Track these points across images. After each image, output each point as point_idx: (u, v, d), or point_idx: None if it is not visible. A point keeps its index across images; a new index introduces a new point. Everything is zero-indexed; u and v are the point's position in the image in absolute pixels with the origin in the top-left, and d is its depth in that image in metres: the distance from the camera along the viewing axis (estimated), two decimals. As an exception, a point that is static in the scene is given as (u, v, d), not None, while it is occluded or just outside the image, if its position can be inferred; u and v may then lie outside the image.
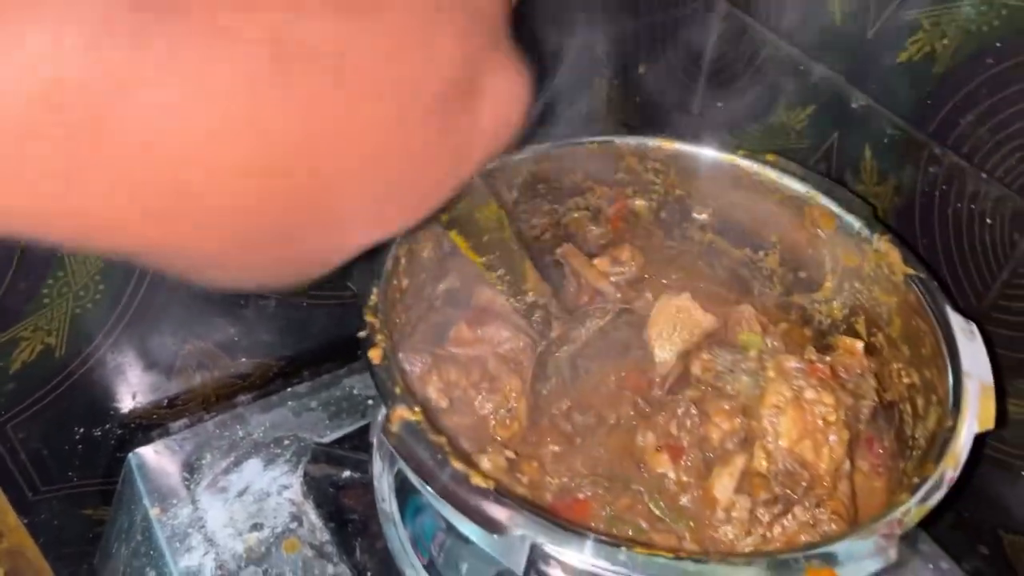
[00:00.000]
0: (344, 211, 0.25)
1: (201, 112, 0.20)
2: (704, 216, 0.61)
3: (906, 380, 0.51)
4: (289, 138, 0.22)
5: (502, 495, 0.38)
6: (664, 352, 0.56)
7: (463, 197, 0.41)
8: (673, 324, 0.56)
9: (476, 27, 0.26)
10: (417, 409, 0.41)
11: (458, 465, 0.39)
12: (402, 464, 0.40)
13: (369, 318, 0.45)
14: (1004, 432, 0.58)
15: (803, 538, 0.45)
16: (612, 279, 0.61)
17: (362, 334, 0.45)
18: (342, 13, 0.22)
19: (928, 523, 0.62)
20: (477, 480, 0.39)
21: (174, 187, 0.21)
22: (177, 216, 0.22)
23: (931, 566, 0.60)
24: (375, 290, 0.47)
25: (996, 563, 0.62)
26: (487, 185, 0.43)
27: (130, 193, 0.20)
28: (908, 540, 0.60)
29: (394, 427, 0.40)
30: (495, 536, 0.38)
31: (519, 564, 0.38)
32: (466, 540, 0.43)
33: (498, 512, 0.38)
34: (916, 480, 0.41)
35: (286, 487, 0.61)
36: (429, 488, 0.39)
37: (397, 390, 0.42)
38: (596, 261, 0.62)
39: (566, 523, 0.38)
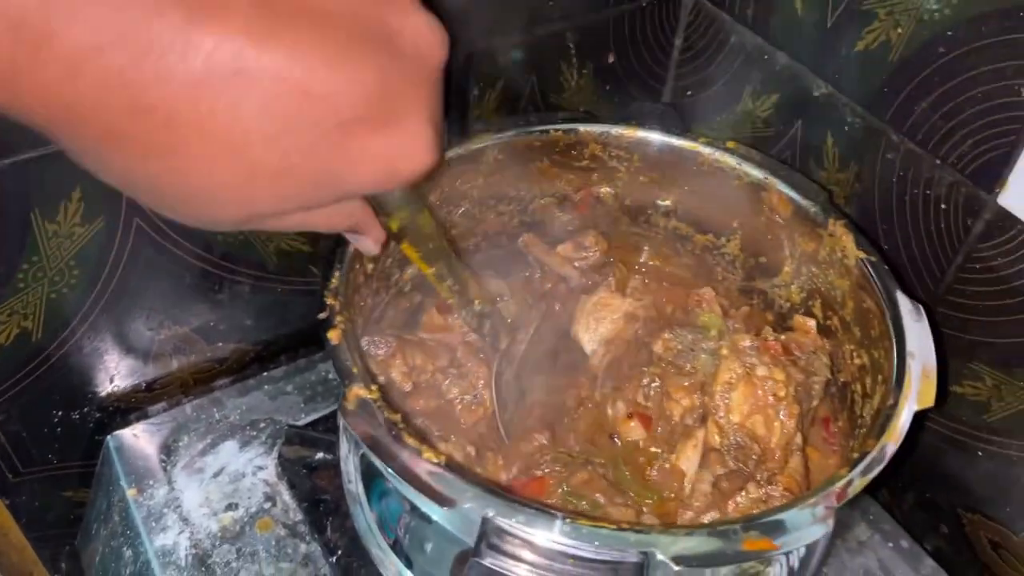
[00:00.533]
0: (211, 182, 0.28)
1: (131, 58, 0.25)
2: (668, 202, 0.62)
3: (857, 361, 0.52)
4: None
5: (452, 469, 0.39)
6: (592, 343, 0.58)
7: (405, 204, 0.40)
8: (595, 317, 0.58)
9: (401, 66, 0.28)
10: (374, 387, 0.43)
11: (411, 441, 0.40)
12: (360, 441, 0.42)
13: (329, 300, 0.46)
14: (961, 413, 0.59)
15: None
16: (576, 264, 0.62)
17: (322, 316, 0.46)
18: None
19: (873, 494, 0.63)
20: (429, 455, 0.40)
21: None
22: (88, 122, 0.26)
23: (891, 545, 0.61)
24: (337, 274, 0.48)
25: (956, 541, 0.63)
26: (416, 192, 0.40)
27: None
28: (865, 514, 0.62)
29: (350, 404, 0.42)
30: (446, 510, 0.39)
31: (472, 538, 0.39)
32: (428, 520, 0.44)
33: (447, 486, 0.39)
34: (857, 455, 0.42)
35: (261, 468, 0.62)
36: (384, 464, 0.41)
37: (354, 369, 0.43)
38: (560, 247, 0.63)
39: (515, 496, 0.39)
